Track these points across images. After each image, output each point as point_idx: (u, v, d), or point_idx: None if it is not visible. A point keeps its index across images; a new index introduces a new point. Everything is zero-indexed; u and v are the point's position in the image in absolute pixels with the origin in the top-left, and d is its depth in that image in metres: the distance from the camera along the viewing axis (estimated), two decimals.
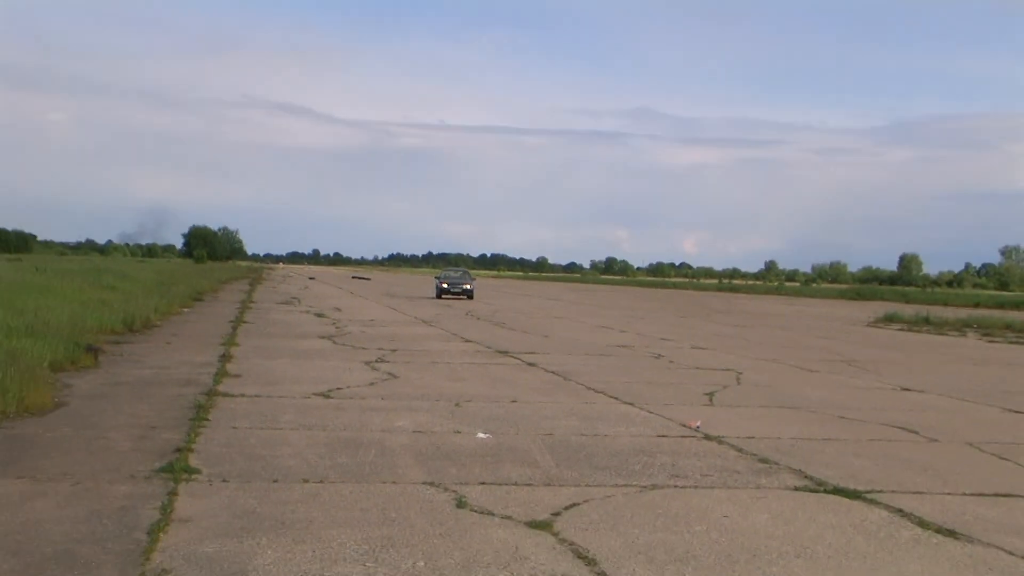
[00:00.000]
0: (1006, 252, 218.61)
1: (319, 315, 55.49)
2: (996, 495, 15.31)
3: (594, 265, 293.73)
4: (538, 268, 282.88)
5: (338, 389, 24.58)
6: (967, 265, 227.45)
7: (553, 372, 30.05)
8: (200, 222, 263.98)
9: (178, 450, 16.22)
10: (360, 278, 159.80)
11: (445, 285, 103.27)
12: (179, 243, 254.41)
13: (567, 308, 74.71)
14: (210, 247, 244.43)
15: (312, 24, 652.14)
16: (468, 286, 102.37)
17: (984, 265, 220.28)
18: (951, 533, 13.04)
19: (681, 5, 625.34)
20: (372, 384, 26.00)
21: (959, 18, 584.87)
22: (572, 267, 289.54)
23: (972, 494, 15.33)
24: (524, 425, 19.94)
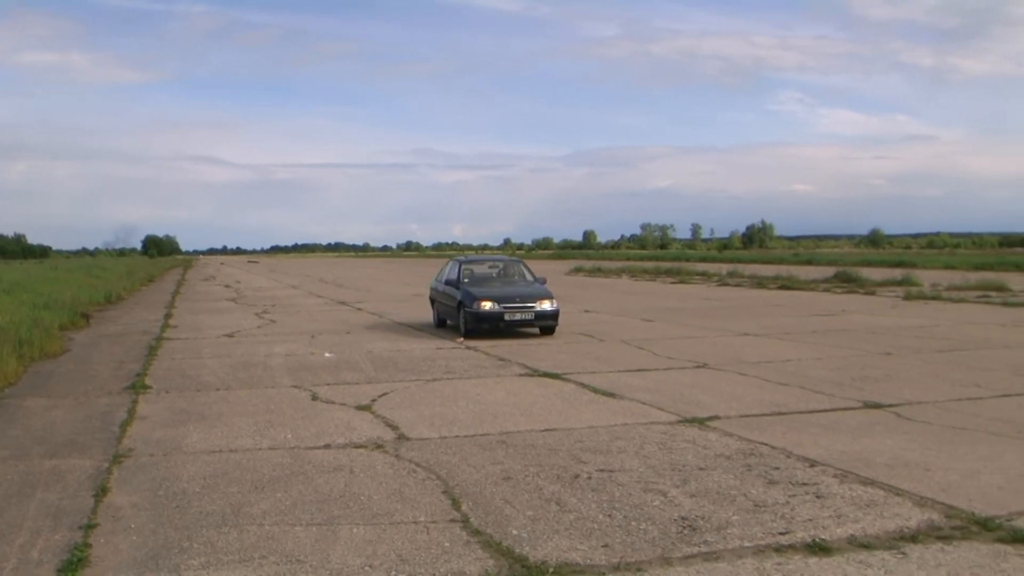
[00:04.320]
0: (644, 227, 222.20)
1: (227, 286, 54.12)
2: (636, 371, 15.65)
3: (399, 247, 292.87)
4: (363, 250, 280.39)
5: (238, 331, 24.14)
6: (622, 236, 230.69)
7: (373, 313, 29.79)
8: (152, 232, 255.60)
9: (138, 375, 15.90)
10: (253, 262, 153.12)
11: (488, 306, 21.25)
12: (139, 246, 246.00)
13: (383, 274, 73.52)
14: (159, 248, 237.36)
15: (220, 107, 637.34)
16: (548, 305, 21.62)
17: (632, 235, 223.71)
18: (610, 394, 13.31)
19: (445, 84, 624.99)
20: (259, 327, 25.54)
21: (612, 92, 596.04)
22: (385, 249, 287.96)
23: (623, 371, 15.65)
24: (355, 347, 19.81)
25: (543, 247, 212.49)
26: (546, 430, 10.87)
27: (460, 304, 21.83)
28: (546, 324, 21.49)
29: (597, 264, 75.56)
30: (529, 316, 21.23)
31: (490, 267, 24.95)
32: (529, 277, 24.02)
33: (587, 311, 29.18)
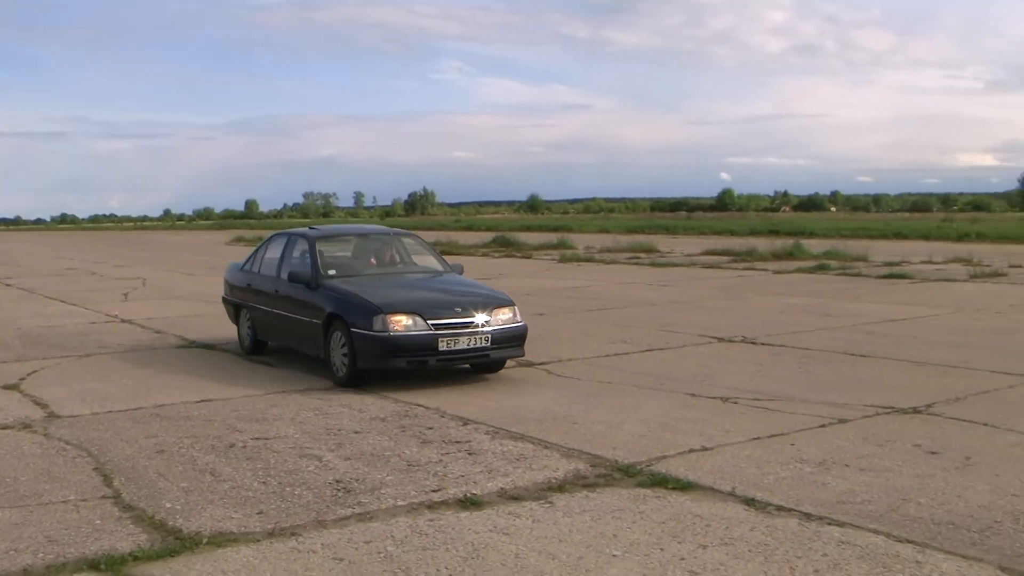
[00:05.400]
0: (307, 195, 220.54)
1: None
2: None
3: (53, 219, 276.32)
4: (15, 224, 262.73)
5: None
6: (284, 204, 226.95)
7: (24, 289, 27.93)
8: None
9: None
10: None
11: (405, 325, 10.99)
12: None
13: (35, 248, 68.98)
14: None
15: None
16: (506, 317, 11.66)
17: (295, 204, 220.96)
18: (269, 363, 13.27)
19: (100, 50, 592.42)
20: None
21: (274, 60, 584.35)
22: (39, 222, 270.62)
23: None
24: (2, 325, 18.46)
25: (204, 217, 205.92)
26: (202, 401, 10.67)
27: (334, 320, 11.68)
28: (507, 354, 11.87)
29: (259, 234, 74.16)
30: (481, 342, 11.35)
31: (359, 246, 14.00)
32: (435, 263, 13.78)
33: None
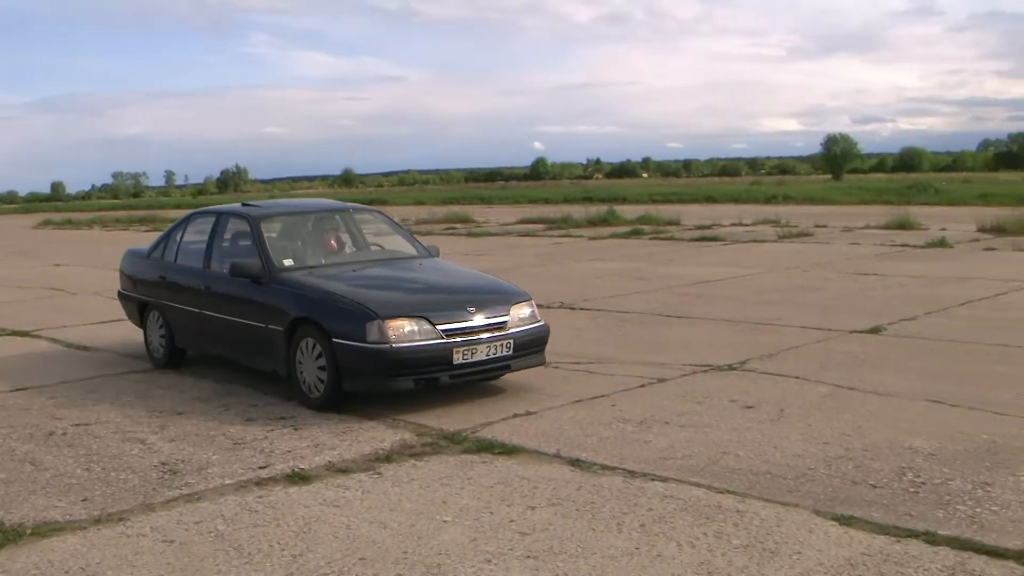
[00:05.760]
0: (116, 176, 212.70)
1: None
2: (109, 322, 14.60)
3: None
4: None
5: None
6: (93, 186, 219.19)
7: None
8: None
9: None
10: None
11: (407, 330, 8.43)
12: None
13: None
14: None
15: None
16: (525, 314, 9.19)
17: (104, 185, 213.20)
18: (84, 347, 12.85)
19: None
20: None
21: (77, 35, 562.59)
22: None
23: (96, 323, 15.00)
24: None
25: (8, 201, 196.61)
26: (16, 390, 10.30)
27: (301, 325, 9.03)
28: (528, 363, 9.36)
29: (67, 216, 71.47)
30: (503, 349, 8.93)
31: (312, 226, 11.05)
32: (408, 246, 11.13)
33: (57, 264, 27.55)
